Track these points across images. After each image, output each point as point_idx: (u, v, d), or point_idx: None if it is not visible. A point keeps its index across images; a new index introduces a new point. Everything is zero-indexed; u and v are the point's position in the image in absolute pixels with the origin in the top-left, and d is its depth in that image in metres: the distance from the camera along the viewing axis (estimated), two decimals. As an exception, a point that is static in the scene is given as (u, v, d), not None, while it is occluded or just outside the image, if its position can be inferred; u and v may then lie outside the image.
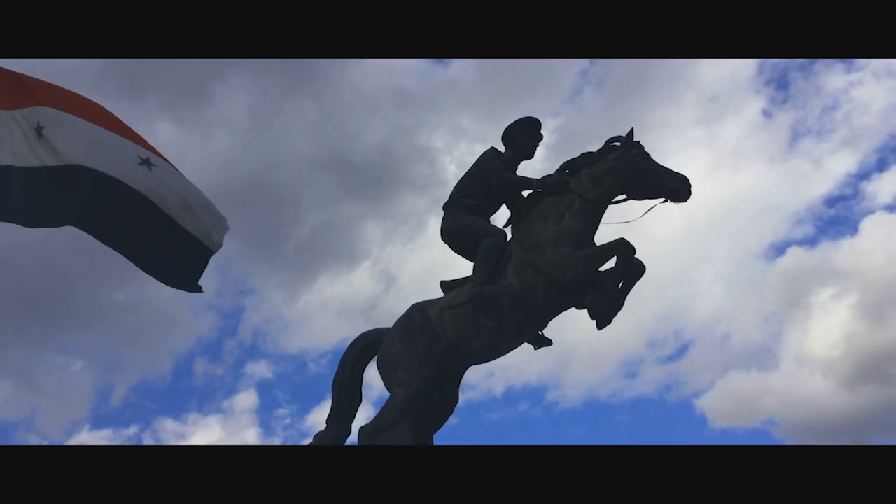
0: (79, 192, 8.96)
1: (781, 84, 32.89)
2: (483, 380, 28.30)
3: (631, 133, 8.53)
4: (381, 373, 8.71)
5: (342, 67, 30.32)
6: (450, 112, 32.29)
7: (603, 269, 8.25)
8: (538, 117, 9.07)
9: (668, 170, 8.41)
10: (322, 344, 30.10)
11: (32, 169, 9.12)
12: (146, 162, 9.36)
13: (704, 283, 31.16)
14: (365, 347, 9.04)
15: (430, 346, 8.47)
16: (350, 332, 26.69)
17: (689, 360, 30.16)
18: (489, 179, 8.72)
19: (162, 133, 28.37)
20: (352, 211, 31.29)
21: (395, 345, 8.65)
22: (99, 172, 9.04)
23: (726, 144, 31.92)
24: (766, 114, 32.50)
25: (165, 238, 9.21)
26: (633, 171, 8.38)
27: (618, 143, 8.56)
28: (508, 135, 9.04)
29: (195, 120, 29.03)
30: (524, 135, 9.00)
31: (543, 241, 8.33)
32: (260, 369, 31.00)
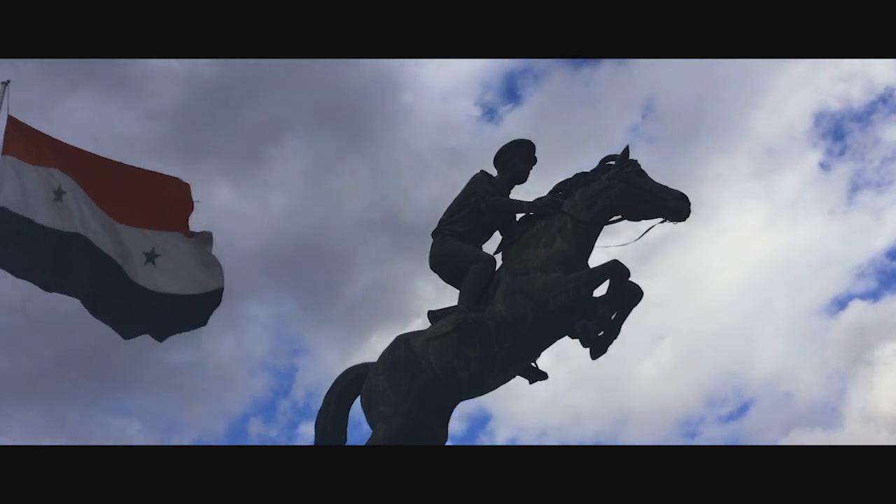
0: (81, 265, 9.45)
1: (838, 135, 31.82)
2: (536, 439, 27.48)
3: (626, 151, 8.02)
4: (363, 409, 8.22)
5: (394, 128, 30.40)
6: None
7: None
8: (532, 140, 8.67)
9: (664, 188, 7.86)
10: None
11: (50, 230, 9.41)
12: (151, 257, 9.95)
13: (764, 339, 29.84)
14: (350, 383, 8.56)
15: (413, 380, 7.96)
16: (402, 391, 26.25)
17: (751, 419, 28.77)
18: (478, 204, 8.30)
19: (220, 197, 28.69)
20: (403, 269, 30.99)
21: (377, 379, 8.16)
22: (101, 252, 9.59)
23: (784, 197, 30.86)
24: (824, 166, 31.38)
25: (161, 307, 9.86)
26: (627, 189, 7.84)
27: (612, 162, 8.08)
28: (500, 158, 8.61)
29: (252, 183, 29.31)
30: (516, 157, 8.56)
31: (533, 266, 7.82)
32: (313, 430, 30.63)
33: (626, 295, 7.70)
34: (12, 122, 9.85)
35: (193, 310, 10.03)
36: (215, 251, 10.32)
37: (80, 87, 27.53)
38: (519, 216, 8.34)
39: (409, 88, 30.33)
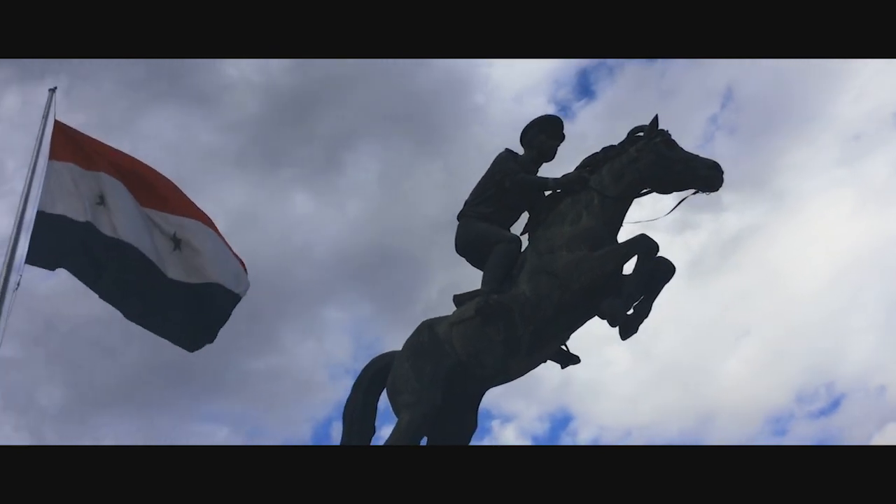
0: (125, 270, 9.60)
1: (929, 118, 30.30)
2: (621, 439, 26.87)
3: (655, 120, 7.62)
4: (389, 398, 7.96)
5: (467, 129, 30.21)
6: (575, 164, 31.37)
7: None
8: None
9: (696, 157, 7.42)
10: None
11: (95, 230, 9.62)
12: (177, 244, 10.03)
13: (855, 332, 28.57)
14: (378, 372, 8.26)
15: (437, 366, 7.66)
16: (482, 393, 26.00)
17: (843, 415, 27.78)
18: (503, 183, 8.00)
19: (298, 205, 29.11)
20: (478, 270, 30.73)
21: (402, 366, 7.89)
22: (142, 254, 9.70)
23: (872, 184, 29.47)
24: (916, 149, 29.91)
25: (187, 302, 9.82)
26: (657, 161, 7.43)
27: (641, 134, 7.69)
28: (526, 135, 8.28)
29: (328, 190, 29.57)
30: (543, 133, 8.21)
31: (558, 245, 7.47)
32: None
33: (657, 271, 7.31)
34: (58, 127, 10.03)
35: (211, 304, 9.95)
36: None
37: (161, 102, 28.35)
38: (547, 195, 8.00)
39: (480, 88, 30.18)
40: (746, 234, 28.89)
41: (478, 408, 8.05)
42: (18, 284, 9.20)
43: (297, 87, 28.52)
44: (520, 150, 8.29)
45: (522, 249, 7.86)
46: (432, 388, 7.60)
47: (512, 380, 7.91)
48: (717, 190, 7.36)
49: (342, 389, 29.88)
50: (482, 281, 7.73)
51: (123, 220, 9.84)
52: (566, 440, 28.06)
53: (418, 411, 7.56)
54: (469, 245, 8.08)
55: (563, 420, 29.44)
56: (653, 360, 29.22)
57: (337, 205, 29.32)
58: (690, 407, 28.11)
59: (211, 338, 9.98)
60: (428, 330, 7.94)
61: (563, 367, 7.92)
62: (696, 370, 28.26)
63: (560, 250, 7.42)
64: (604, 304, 7.13)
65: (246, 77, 28.43)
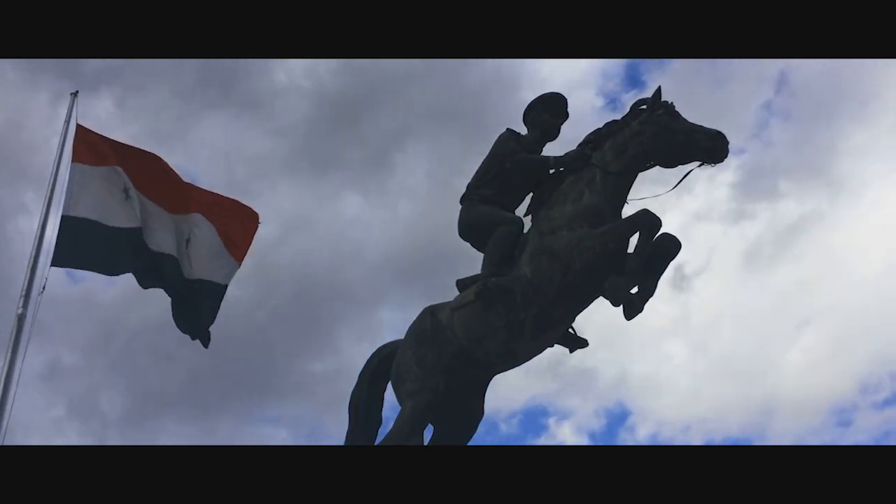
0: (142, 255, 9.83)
1: None
2: (679, 433, 26.29)
3: (658, 92, 7.33)
4: (393, 387, 7.79)
5: (516, 125, 29.91)
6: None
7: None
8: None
9: (699, 127, 7.10)
10: (511, 404, 29.11)
11: (117, 228, 9.82)
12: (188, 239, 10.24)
13: (920, 319, 27.47)
14: (383, 360, 8.09)
15: (440, 353, 7.47)
16: (538, 389, 25.79)
17: (910, 405, 26.73)
18: (503, 164, 7.79)
19: (350, 207, 29.20)
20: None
21: (405, 354, 7.71)
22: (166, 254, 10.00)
23: (938, 167, 28.41)
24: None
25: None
26: (659, 133, 7.14)
27: (644, 107, 7.41)
28: (529, 114, 8.07)
29: (379, 192, 29.59)
30: (546, 112, 7.99)
31: (559, 224, 7.23)
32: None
33: (661, 247, 7.03)
34: (80, 131, 10.15)
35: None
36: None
37: (212, 110, 28.71)
38: (551, 174, 7.76)
39: (528, 85, 29.83)
40: (805, 222, 28.12)
41: (484, 395, 7.84)
42: (44, 287, 9.33)
43: (345, 90, 28.63)
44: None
45: (526, 231, 7.64)
46: (434, 375, 7.42)
47: (517, 365, 7.69)
48: (721, 161, 7.05)
49: (399, 390, 29.82)
50: (482, 264, 7.53)
51: (144, 216, 10.01)
52: (624, 436, 27.59)
53: (421, 399, 7.38)
54: (471, 228, 7.88)
55: (620, 416, 28.92)
56: (711, 353, 28.64)
57: (388, 205, 29.33)
58: (751, 400, 27.39)
59: (205, 336, 10.13)
60: (430, 316, 7.75)
61: (571, 351, 7.68)
62: (755, 362, 27.55)
63: (561, 230, 7.19)
64: (607, 282, 6.86)
65: (295, 82, 28.65)
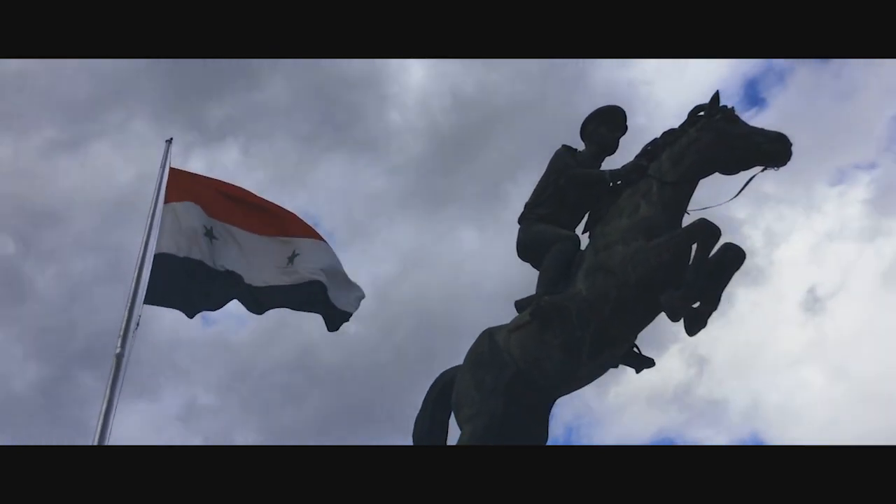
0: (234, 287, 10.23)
1: None
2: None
3: (716, 96, 7.00)
4: (454, 412, 7.60)
5: (630, 150, 29.35)
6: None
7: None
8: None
9: (759, 130, 6.72)
10: (637, 436, 28.27)
11: (193, 261, 10.13)
12: (291, 259, 10.52)
13: None
14: (444, 387, 7.91)
15: (497, 376, 7.26)
16: (664, 421, 24.95)
17: None
18: (558, 181, 7.58)
19: (466, 240, 29.36)
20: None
21: (464, 378, 7.54)
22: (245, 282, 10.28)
23: None
24: None
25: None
26: (717, 139, 6.80)
27: (702, 114, 7.07)
28: (586, 129, 7.85)
29: (494, 224, 29.57)
30: (603, 126, 7.75)
31: (614, 239, 6.96)
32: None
33: (725, 258, 6.65)
34: (173, 173, 10.60)
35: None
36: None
37: (330, 152, 29.55)
38: (610, 188, 7.48)
39: (642, 109, 29.31)
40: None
41: (547, 420, 7.56)
42: (138, 325, 9.68)
43: (457, 125, 28.97)
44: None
45: (583, 248, 7.39)
46: (493, 398, 7.21)
47: (578, 388, 7.41)
48: (784, 164, 6.64)
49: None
50: (537, 283, 7.31)
51: (226, 251, 10.32)
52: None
53: (479, 423, 7.17)
54: (527, 248, 7.69)
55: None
56: (850, 379, 26.96)
57: (503, 237, 29.17)
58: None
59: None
60: (488, 339, 7.57)
61: (637, 372, 7.34)
62: (903, 384, 25.71)
63: (616, 245, 6.91)
64: (663, 297, 6.53)
65: (409, 120, 29.17)
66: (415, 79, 31.50)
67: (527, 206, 7.83)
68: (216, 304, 10.35)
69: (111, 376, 9.26)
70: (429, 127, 29.08)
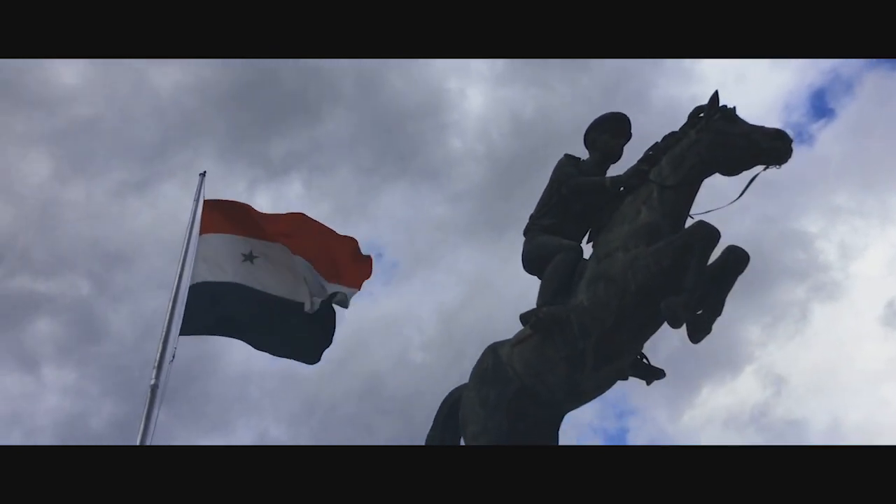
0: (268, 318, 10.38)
1: None
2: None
3: (715, 96, 6.78)
4: (461, 431, 7.47)
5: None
6: (820, 191, 28.64)
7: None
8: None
9: (758, 128, 6.47)
10: (714, 461, 27.34)
11: (241, 286, 10.38)
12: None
13: None
14: (453, 406, 7.77)
15: (501, 392, 7.10)
16: (742, 443, 24.16)
17: None
18: (560, 191, 7.42)
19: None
20: (726, 311, 28.67)
21: (469, 396, 7.39)
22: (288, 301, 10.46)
23: None
24: None
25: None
26: (715, 139, 6.57)
27: (703, 115, 6.85)
28: (588, 136, 7.69)
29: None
30: (606, 133, 7.58)
31: (615, 246, 6.77)
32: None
33: (728, 261, 6.41)
34: (207, 205, 10.78)
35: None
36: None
37: (392, 182, 29.75)
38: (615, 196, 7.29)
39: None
40: None
41: (556, 436, 7.35)
42: (174, 356, 9.82)
43: (517, 150, 28.88)
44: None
45: (588, 258, 7.21)
46: (497, 415, 7.06)
47: (584, 402, 7.19)
48: (785, 161, 6.37)
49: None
50: (538, 295, 7.15)
51: (268, 275, 10.43)
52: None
53: (483, 441, 7.02)
54: (532, 261, 7.52)
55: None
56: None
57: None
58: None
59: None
60: (492, 354, 7.42)
61: (648, 383, 7.10)
62: None
63: (617, 252, 6.72)
64: (663, 303, 6.32)
65: (469, 147, 29.18)
66: (474, 105, 31.61)
67: (531, 217, 7.68)
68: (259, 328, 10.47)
69: (146, 407, 9.38)
70: (489, 153, 29.13)
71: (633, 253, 6.57)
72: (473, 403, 7.29)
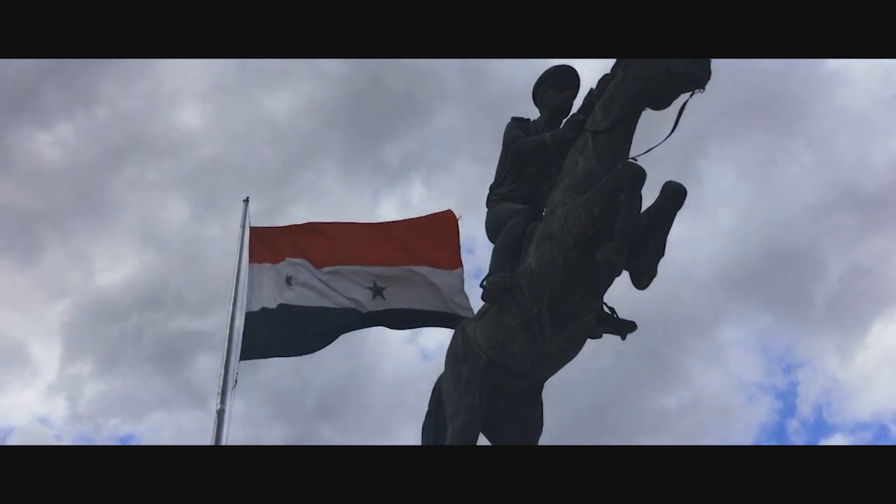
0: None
1: None
2: None
3: None
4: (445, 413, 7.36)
5: (824, 97, 27.01)
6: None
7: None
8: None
9: (676, 59, 6.09)
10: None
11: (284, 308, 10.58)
12: (377, 290, 10.42)
13: None
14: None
15: (472, 369, 6.94)
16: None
17: None
18: (507, 155, 7.21)
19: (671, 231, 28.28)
20: (876, 246, 26.71)
21: (445, 377, 7.27)
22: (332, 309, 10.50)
23: None
24: None
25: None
26: (638, 74, 6.19)
27: None
28: (535, 95, 7.46)
29: (694, 206, 28.22)
30: (552, 88, 7.32)
31: (557, 202, 6.52)
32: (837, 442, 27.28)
33: (664, 199, 6.08)
34: (254, 233, 11.18)
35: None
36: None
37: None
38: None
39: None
40: None
41: (538, 405, 7.16)
42: (236, 382, 10.22)
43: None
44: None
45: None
46: (469, 393, 6.91)
47: (555, 367, 6.90)
48: (703, 83, 5.95)
49: (762, 410, 27.71)
50: (489, 264, 6.96)
51: (306, 290, 10.64)
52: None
53: (458, 421, 6.89)
54: (490, 230, 7.34)
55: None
56: None
57: (706, 219, 27.83)
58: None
59: None
60: (461, 333, 7.27)
61: (622, 338, 6.78)
62: None
63: (558, 208, 6.47)
64: (598, 253, 6.03)
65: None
66: (584, 82, 31.00)
67: (490, 188, 7.49)
68: (324, 342, 10.70)
69: (214, 432, 9.80)
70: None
71: (570, 206, 6.31)
72: (448, 385, 7.17)
